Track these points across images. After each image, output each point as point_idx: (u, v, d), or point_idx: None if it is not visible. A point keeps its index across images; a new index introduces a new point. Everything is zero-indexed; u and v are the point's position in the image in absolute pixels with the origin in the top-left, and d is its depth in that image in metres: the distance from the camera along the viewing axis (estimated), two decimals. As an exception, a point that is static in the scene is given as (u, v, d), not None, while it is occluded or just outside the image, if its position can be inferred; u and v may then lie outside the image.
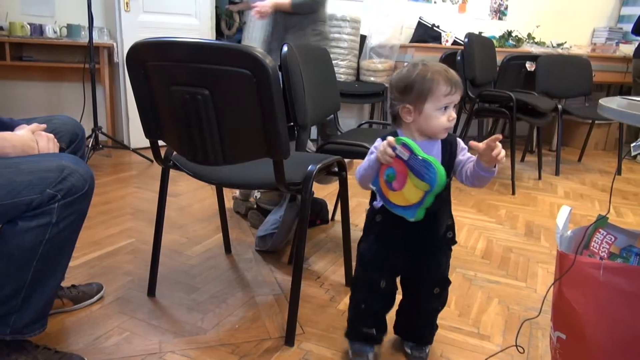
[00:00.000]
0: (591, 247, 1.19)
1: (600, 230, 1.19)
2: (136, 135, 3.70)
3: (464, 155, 1.23)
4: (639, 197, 3.18)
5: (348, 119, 4.41)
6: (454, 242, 1.32)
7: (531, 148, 4.33)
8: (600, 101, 1.26)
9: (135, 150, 3.51)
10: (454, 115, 1.16)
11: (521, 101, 3.24)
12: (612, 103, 1.24)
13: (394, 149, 1.11)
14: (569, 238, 1.21)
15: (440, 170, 1.05)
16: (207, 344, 1.44)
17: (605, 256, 1.17)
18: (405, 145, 1.09)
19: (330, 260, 2.02)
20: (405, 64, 1.32)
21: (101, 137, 3.40)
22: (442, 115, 1.15)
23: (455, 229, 1.32)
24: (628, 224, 2.68)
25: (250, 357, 1.39)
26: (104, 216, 2.38)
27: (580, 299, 1.10)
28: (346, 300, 1.68)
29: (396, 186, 1.13)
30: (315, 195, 2.38)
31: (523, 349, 1.47)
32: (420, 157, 1.07)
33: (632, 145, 1.20)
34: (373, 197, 1.27)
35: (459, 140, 1.24)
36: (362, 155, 1.95)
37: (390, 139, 1.11)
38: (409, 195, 1.12)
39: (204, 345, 1.43)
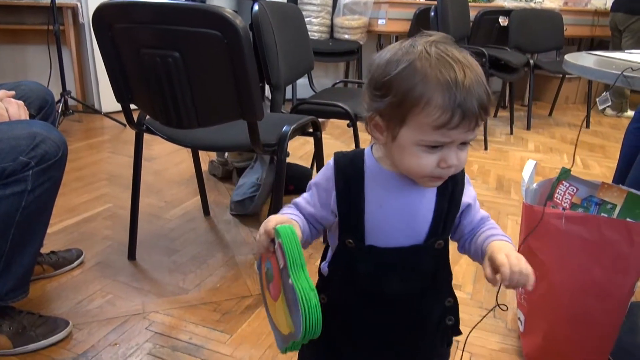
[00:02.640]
0: (555, 199, 1.25)
1: (563, 182, 1.25)
2: (107, 99, 3.61)
3: (471, 206, 0.75)
4: (605, 150, 3.29)
5: (322, 78, 4.38)
6: (457, 333, 0.80)
7: (504, 103, 4.39)
8: (565, 57, 1.30)
9: (106, 115, 3.44)
10: (454, 160, 0.64)
11: (494, 57, 3.27)
12: (576, 59, 1.27)
13: (273, 241, 0.66)
14: (534, 191, 1.27)
15: (311, 319, 0.59)
16: (189, 303, 1.48)
17: (567, 206, 1.23)
18: (281, 247, 0.62)
19: (307, 219, 2.07)
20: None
21: (71, 102, 3.32)
22: (427, 155, 0.64)
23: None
24: (594, 175, 2.78)
25: (232, 314, 1.44)
26: (78, 182, 2.37)
27: (543, 247, 1.16)
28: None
29: (273, 292, 0.70)
30: (292, 157, 2.39)
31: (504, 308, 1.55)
32: (290, 280, 0.61)
33: (597, 99, 1.24)
34: (324, 256, 0.82)
35: (467, 178, 0.75)
36: (336, 115, 1.97)
37: (270, 225, 0.65)
38: (278, 316, 0.68)
39: (186, 304, 1.47)
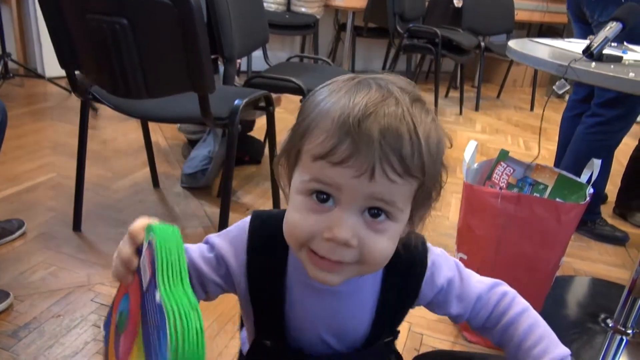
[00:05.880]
0: (493, 178, 1.32)
1: (501, 163, 1.32)
2: (51, 63, 3.43)
3: (450, 286, 0.59)
4: (547, 132, 3.45)
5: (278, 52, 4.33)
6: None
7: (455, 84, 4.51)
8: (509, 43, 1.35)
9: (50, 80, 3.28)
10: (344, 232, 0.45)
11: (446, 38, 3.34)
12: (518, 46, 1.33)
13: (138, 250, 0.49)
14: (474, 170, 1.33)
15: (187, 345, 0.37)
16: (137, 275, 1.47)
17: (504, 186, 1.31)
18: (151, 247, 0.45)
19: (258, 194, 2.08)
20: None
21: (11, 65, 3.14)
22: (308, 212, 0.47)
23: None
24: (534, 157, 2.92)
25: (181, 285, 1.44)
26: (19, 151, 2.27)
27: (480, 224, 1.23)
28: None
29: (123, 346, 0.48)
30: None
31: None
32: (157, 293, 0.41)
33: (554, 86, 1.30)
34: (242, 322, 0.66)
35: (433, 256, 0.59)
36: (290, 90, 1.97)
37: (142, 222, 0.50)
38: None
39: (133, 276, 1.46)
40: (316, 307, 0.54)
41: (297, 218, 0.46)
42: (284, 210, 0.52)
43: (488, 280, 0.61)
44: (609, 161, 1.87)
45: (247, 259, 0.54)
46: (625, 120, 1.78)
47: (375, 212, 0.45)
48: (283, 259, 0.54)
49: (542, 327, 0.57)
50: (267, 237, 0.54)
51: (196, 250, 0.57)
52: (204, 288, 0.57)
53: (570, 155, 1.91)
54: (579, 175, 1.26)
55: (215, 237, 0.57)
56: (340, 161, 0.42)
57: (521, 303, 0.59)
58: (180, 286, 0.40)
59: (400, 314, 0.59)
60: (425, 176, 0.45)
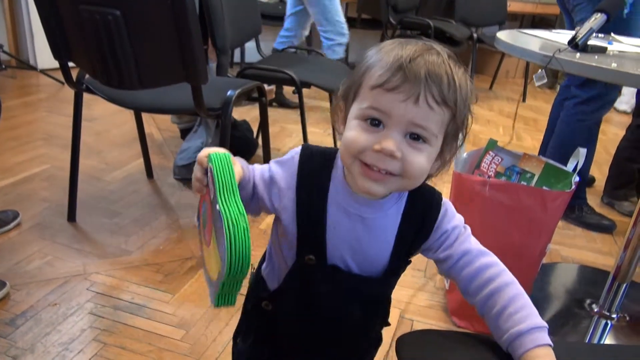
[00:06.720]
0: (481, 167, 1.34)
1: (490, 152, 1.34)
2: (43, 54, 3.42)
3: (452, 232, 0.66)
4: (538, 123, 3.48)
5: (271, 43, 4.32)
6: (385, 325, 0.78)
7: (448, 75, 4.52)
8: (497, 34, 1.37)
9: (43, 71, 3.27)
10: (391, 145, 0.56)
11: (439, 29, 3.36)
12: (505, 37, 1.35)
13: (206, 172, 0.62)
14: (464, 160, 1.36)
15: (236, 245, 0.52)
16: (132, 264, 1.49)
17: (492, 175, 1.33)
18: (211, 172, 0.59)
19: (252, 184, 2.09)
20: None
21: (3, 57, 3.12)
22: (363, 131, 0.58)
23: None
24: (525, 147, 2.95)
25: (175, 274, 1.47)
26: (13, 142, 2.27)
27: (468, 211, 1.24)
28: (268, 220, 1.77)
29: (206, 237, 0.65)
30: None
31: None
32: (217, 206, 0.55)
33: (534, 76, 1.33)
34: (264, 258, 0.79)
35: (446, 205, 0.67)
36: (283, 82, 1.99)
37: (205, 151, 0.61)
38: (211, 262, 0.62)
39: (128, 265, 1.48)
40: (346, 230, 0.64)
41: (354, 134, 0.59)
42: (329, 147, 0.67)
43: (483, 247, 0.67)
44: (592, 143, 1.90)
45: (297, 182, 0.65)
46: (602, 100, 1.81)
47: (415, 136, 0.57)
48: (326, 184, 0.65)
49: (525, 299, 0.62)
50: (314, 164, 0.66)
51: (259, 171, 0.68)
52: (256, 203, 0.68)
53: (556, 138, 1.95)
54: (564, 158, 1.29)
55: (273, 162, 0.68)
56: (393, 87, 0.55)
57: (509, 275, 0.64)
58: (232, 199, 0.55)
59: (412, 250, 0.67)
60: (456, 108, 0.57)
